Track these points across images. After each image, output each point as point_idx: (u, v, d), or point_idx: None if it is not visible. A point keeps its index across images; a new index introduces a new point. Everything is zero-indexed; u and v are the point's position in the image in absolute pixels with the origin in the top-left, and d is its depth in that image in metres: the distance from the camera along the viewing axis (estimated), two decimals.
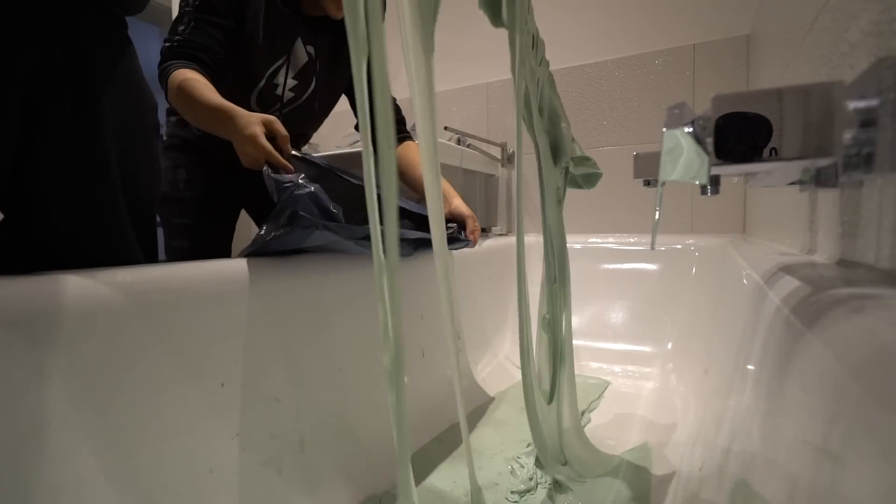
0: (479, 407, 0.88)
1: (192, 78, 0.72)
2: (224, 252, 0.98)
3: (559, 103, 0.60)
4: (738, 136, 0.34)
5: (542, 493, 0.60)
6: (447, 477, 0.64)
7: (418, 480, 0.63)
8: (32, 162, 0.45)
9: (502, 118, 1.67)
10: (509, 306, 1.27)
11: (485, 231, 1.58)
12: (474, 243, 0.91)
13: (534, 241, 1.40)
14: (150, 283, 0.44)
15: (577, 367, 1.13)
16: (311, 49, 0.88)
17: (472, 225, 0.91)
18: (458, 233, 0.90)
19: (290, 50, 0.86)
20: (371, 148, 0.25)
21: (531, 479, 0.62)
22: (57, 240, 0.47)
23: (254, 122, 0.67)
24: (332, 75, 0.93)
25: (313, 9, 0.86)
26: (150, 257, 0.57)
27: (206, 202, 0.92)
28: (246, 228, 1.11)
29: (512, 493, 0.60)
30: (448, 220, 0.91)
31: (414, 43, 0.31)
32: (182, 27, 0.77)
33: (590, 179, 0.67)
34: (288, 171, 0.65)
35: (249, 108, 0.84)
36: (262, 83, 0.85)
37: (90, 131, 0.48)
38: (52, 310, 0.36)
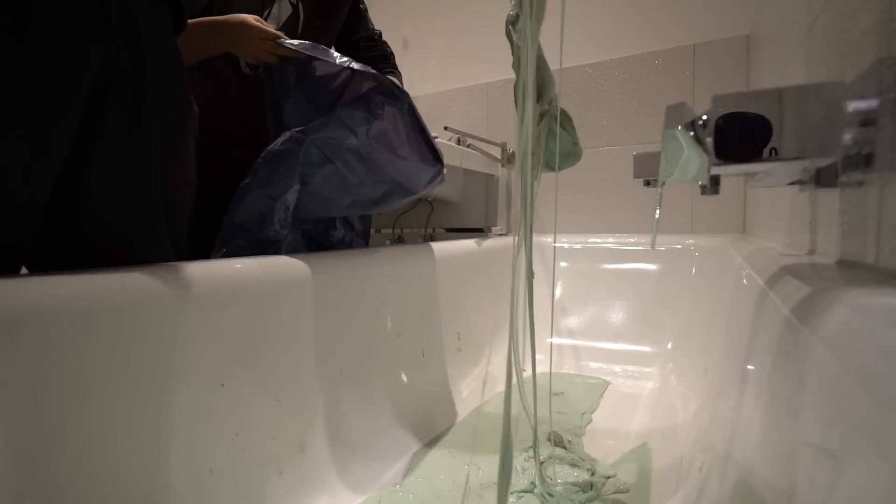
0: (479, 407, 0.88)
1: None
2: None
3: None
4: (738, 136, 0.34)
5: (541, 492, 0.60)
6: (447, 477, 0.64)
7: (418, 480, 0.63)
8: (82, 163, 0.46)
9: (502, 118, 1.67)
10: (509, 306, 1.27)
11: (482, 231, 1.58)
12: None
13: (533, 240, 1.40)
14: (149, 284, 0.44)
15: (577, 368, 1.14)
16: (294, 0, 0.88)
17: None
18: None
19: (274, 1, 0.86)
20: None
21: (531, 481, 0.62)
22: (85, 242, 0.48)
23: (241, 15, 0.71)
24: (315, 28, 0.92)
25: None
26: (180, 259, 0.58)
27: (196, 201, 0.91)
28: None
29: (511, 493, 0.60)
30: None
31: None
32: None
33: (567, 156, 0.56)
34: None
35: (236, 64, 0.86)
36: None
37: (140, 136, 0.50)
38: (52, 310, 0.36)
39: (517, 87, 0.46)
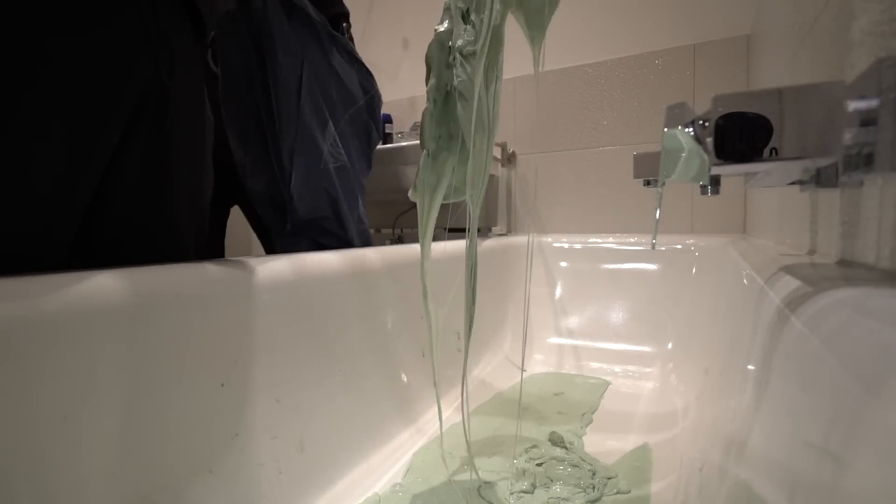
0: (479, 407, 0.88)
1: None
2: (214, 250, 0.97)
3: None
4: (738, 136, 0.34)
5: (541, 493, 0.60)
6: (447, 477, 0.64)
7: (418, 480, 0.63)
8: (118, 169, 0.48)
9: (502, 118, 1.66)
10: (509, 306, 1.27)
11: (482, 231, 1.58)
12: None
13: (533, 240, 1.40)
14: (149, 283, 0.44)
15: (577, 368, 1.14)
16: None
17: None
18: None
19: None
20: None
21: (532, 483, 0.62)
22: (112, 244, 0.50)
23: None
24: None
25: None
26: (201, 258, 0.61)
27: None
28: (239, 228, 1.11)
29: (511, 493, 0.60)
30: None
31: None
32: None
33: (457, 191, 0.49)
34: None
35: (205, 62, 0.86)
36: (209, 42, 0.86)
37: (170, 143, 0.53)
38: (53, 309, 0.36)
39: (429, 114, 0.42)
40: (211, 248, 0.95)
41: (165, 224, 0.54)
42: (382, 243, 1.51)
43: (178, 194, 0.54)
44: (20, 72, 0.40)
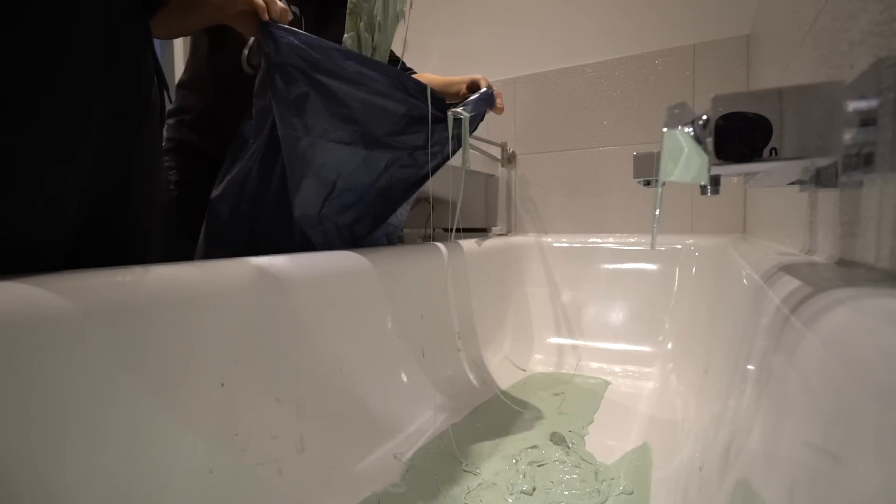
0: (479, 407, 0.88)
1: None
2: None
3: None
4: (738, 136, 0.34)
5: (541, 493, 0.60)
6: (447, 477, 0.64)
7: (418, 480, 0.63)
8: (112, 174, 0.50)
9: (502, 118, 1.67)
10: (509, 306, 1.27)
11: (484, 231, 1.58)
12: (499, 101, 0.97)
13: (533, 240, 1.40)
14: (149, 283, 0.44)
15: (577, 367, 1.14)
16: (295, 8, 0.88)
17: (486, 83, 0.98)
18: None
19: None
20: None
21: (532, 485, 0.62)
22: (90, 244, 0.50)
23: None
24: (320, 35, 0.93)
25: None
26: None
27: (190, 203, 0.91)
28: None
29: (511, 493, 0.60)
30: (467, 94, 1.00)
31: None
32: None
33: None
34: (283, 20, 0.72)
35: (240, 72, 0.87)
36: (249, 46, 0.87)
37: (158, 147, 0.58)
38: (52, 309, 0.36)
39: None
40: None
41: (136, 226, 0.54)
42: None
43: (147, 197, 0.56)
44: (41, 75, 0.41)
